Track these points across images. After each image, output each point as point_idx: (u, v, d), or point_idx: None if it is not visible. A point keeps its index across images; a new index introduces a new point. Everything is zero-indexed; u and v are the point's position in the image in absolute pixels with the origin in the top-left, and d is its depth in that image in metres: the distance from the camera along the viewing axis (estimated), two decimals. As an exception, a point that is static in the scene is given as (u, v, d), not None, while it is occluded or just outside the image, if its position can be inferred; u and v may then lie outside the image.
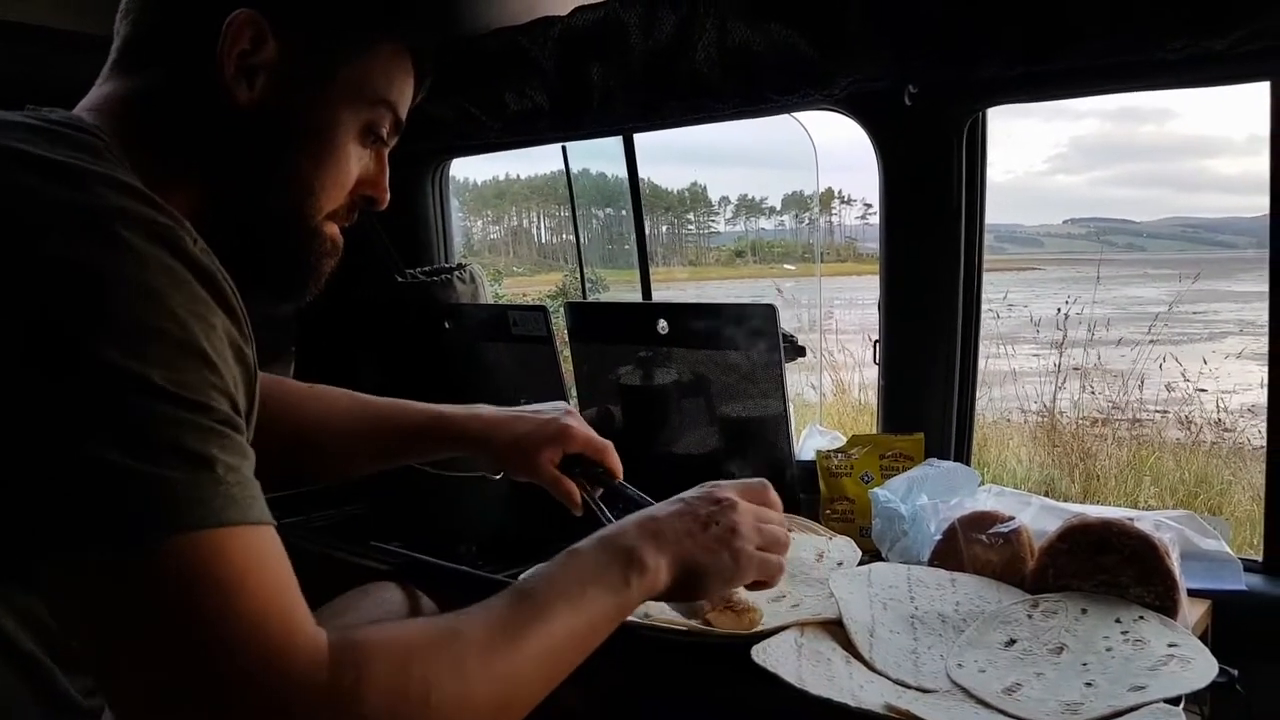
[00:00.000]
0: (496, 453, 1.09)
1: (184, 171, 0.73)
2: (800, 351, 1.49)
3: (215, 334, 0.59)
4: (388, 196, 0.85)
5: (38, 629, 0.64)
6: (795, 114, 1.59)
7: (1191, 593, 1.03)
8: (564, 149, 2.00)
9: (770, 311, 1.43)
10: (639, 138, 1.79)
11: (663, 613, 0.99)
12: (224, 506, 0.56)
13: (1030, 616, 1.00)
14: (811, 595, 1.12)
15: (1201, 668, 0.87)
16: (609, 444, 1.11)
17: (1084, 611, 0.99)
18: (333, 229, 0.82)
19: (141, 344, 0.55)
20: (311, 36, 0.76)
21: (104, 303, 0.55)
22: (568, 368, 1.75)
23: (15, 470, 0.54)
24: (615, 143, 1.81)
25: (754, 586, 0.88)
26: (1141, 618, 0.96)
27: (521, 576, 0.75)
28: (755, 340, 1.45)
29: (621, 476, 1.11)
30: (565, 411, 1.10)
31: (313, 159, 0.77)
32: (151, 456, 0.54)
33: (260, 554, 0.58)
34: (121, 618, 0.54)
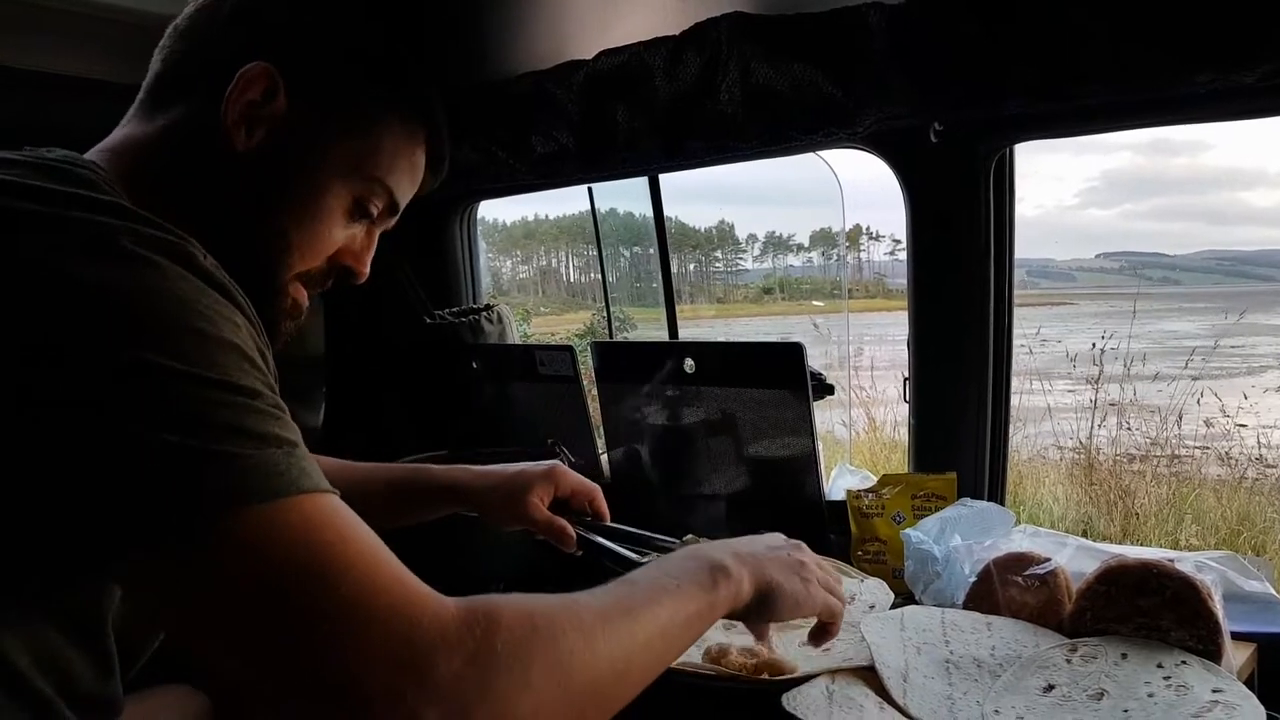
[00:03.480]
0: (484, 499, 1.12)
1: (177, 211, 0.72)
2: (828, 390, 1.48)
3: (242, 334, 0.61)
4: (368, 272, 0.87)
5: (51, 668, 0.64)
6: (820, 152, 1.59)
7: (1235, 635, 1.00)
8: (590, 190, 2.02)
9: (798, 350, 1.42)
10: (667, 177, 1.80)
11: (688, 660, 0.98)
12: (299, 476, 0.57)
13: (1069, 661, 0.97)
14: (843, 640, 1.09)
15: (1248, 714, 0.84)
16: (598, 487, 1.15)
17: (1124, 656, 0.96)
18: (299, 291, 0.83)
19: (179, 342, 0.56)
20: (321, 103, 0.78)
21: (132, 310, 0.56)
22: (595, 407, 1.75)
23: (70, 482, 0.54)
24: (643, 182, 1.82)
25: (820, 638, 0.94)
26: (1184, 662, 0.94)
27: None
28: (783, 379, 1.44)
29: (609, 520, 1.14)
30: (552, 464, 1.15)
31: (294, 218, 0.79)
32: (217, 438, 0.55)
33: (348, 516, 0.59)
34: (231, 595, 0.54)
